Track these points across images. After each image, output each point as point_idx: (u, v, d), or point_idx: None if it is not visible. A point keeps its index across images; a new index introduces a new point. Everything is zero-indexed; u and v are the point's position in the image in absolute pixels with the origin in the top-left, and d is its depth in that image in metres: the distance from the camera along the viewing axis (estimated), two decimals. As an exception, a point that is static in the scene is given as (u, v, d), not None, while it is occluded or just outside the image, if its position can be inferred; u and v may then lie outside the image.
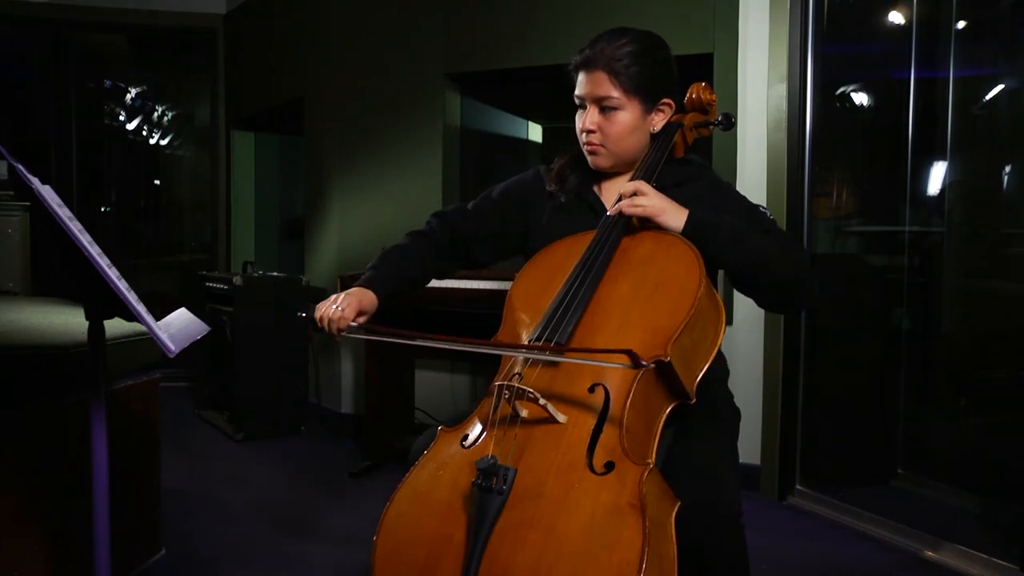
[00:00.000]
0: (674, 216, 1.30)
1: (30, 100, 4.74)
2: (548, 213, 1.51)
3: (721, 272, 1.38)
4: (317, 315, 1.37)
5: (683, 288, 1.20)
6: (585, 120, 1.42)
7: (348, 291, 1.41)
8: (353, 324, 1.36)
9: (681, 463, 1.19)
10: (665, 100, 1.44)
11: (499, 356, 1.28)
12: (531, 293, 1.32)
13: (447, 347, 1.21)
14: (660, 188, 1.36)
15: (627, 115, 1.40)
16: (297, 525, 2.49)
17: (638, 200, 1.31)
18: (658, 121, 1.44)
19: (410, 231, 1.58)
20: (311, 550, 2.29)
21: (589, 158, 1.47)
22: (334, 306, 1.36)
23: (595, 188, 1.51)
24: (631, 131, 1.41)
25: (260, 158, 4.89)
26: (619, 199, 1.34)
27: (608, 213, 1.35)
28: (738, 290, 1.38)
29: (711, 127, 1.50)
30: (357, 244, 3.59)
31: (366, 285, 1.44)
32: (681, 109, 1.51)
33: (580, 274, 1.25)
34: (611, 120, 1.40)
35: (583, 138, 1.45)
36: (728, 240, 1.29)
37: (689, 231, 1.29)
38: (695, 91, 1.50)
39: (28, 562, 1.66)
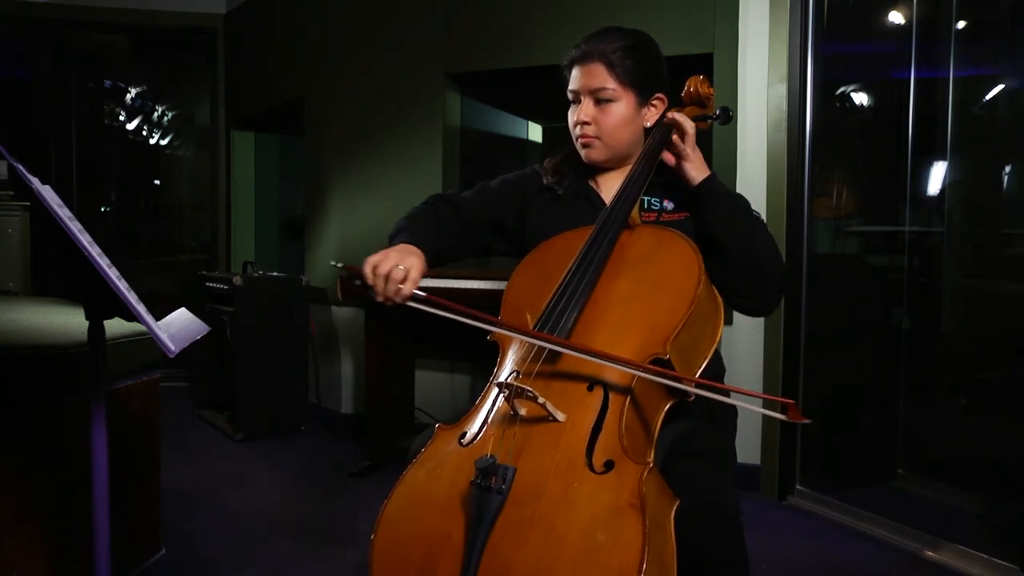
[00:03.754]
0: (698, 168, 1.36)
1: (30, 100, 4.74)
2: (545, 207, 1.51)
3: None
4: (367, 269, 1.20)
5: (682, 285, 1.20)
6: (580, 112, 1.43)
7: (396, 248, 1.26)
8: (420, 292, 1.19)
9: (679, 462, 1.19)
10: (658, 95, 1.45)
11: (497, 354, 1.27)
12: (529, 289, 1.32)
13: (515, 335, 1.17)
14: (658, 179, 1.40)
15: (622, 107, 1.41)
16: (297, 525, 2.49)
17: (686, 127, 1.35)
18: (651, 116, 1.46)
19: (425, 201, 1.49)
20: (311, 550, 2.29)
21: (583, 152, 1.47)
22: (400, 266, 1.19)
23: (591, 183, 1.51)
24: (626, 123, 1.42)
25: (260, 158, 4.89)
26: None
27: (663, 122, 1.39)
28: (715, 278, 1.35)
29: (709, 121, 1.50)
30: (357, 244, 3.59)
31: (411, 242, 1.29)
32: (679, 103, 1.51)
33: (578, 270, 1.25)
34: (606, 112, 1.41)
35: (577, 131, 1.45)
36: (730, 213, 1.33)
37: (701, 188, 1.34)
38: (693, 84, 1.50)
39: (28, 562, 1.66)
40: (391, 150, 3.52)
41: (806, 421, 1.01)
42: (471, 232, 1.50)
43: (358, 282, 1.22)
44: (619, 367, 1.12)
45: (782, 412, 1.03)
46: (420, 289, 1.21)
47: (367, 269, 1.21)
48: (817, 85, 2.75)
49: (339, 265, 1.22)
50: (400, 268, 1.20)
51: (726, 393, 1.14)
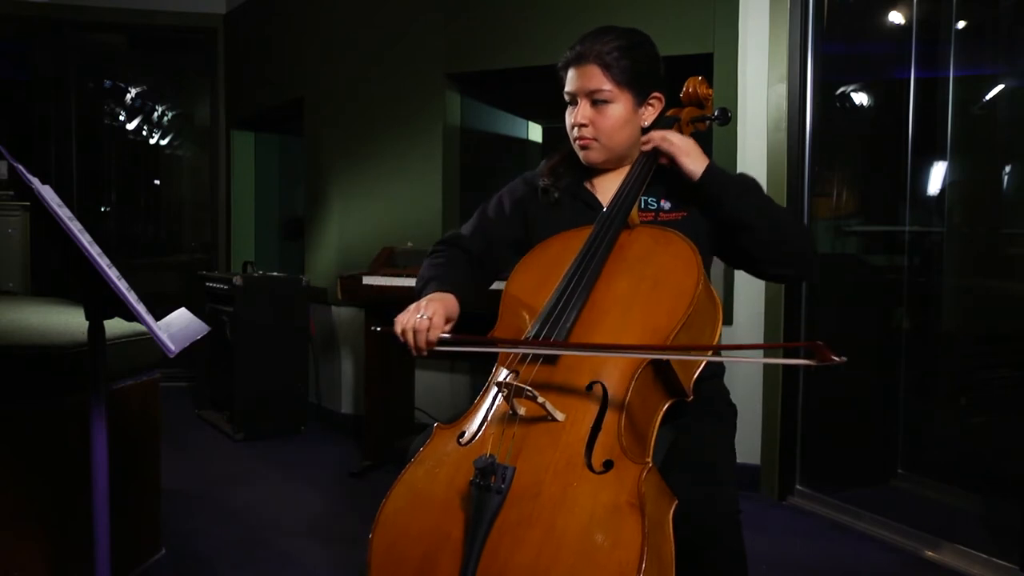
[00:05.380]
0: (696, 161, 1.36)
1: (30, 100, 4.74)
2: (543, 212, 1.51)
3: (717, 272, 1.38)
4: (398, 328, 1.24)
5: (681, 285, 1.20)
6: (577, 114, 1.43)
7: (427, 297, 1.30)
8: (445, 335, 1.24)
9: (678, 460, 1.19)
10: (655, 94, 1.45)
11: (496, 354, 1.27)
12: (528, 290, 1.32)
13: (550, 351, 1.17)
14: (659, 174, 1.40)
15: (619, 108, 1.41)
16: (297, 525, 2.49)
17: (669, 136, 1.36)
18: (648, 115, 1.46)
19: (433, 251, 1.52)
20: (311, 550, 2.29)
21: (581, 153, 1.47)
22: (418, 315, 1.23)
23: (588, 185, 1.51)
24: (623, 124, 1.42)
25: (260, 158, 4.89)
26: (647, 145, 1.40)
27: (641, 149, 1.40)
28: (747, 263, 1.39)
29: (707, 121, 1.51)
30: (357, 244, 3.59)
31: (442, 289, 1.33)
32: (678, 103, 1.51)
33: (577, 271, 1.25)
34: (603, 113, 1.41)
35: (574, 133, 1.45)
36: (741, 192, 1.34)
37: (706, 178, 1.34)
38: (692, 85, 1.50)
39: (28, 562, 1.66)
40: (391, 150, 3.52)
41: (841, 360, 0.93)
42: (485, 265, 1.53)
43: (397, 343, 1.25)
44: (630, 356, 1.12)
45: (808, 357, 0.96)
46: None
47: (396, 329, 1.24)
48: (817, 85, 2.75)
49: (377, 329, 1.26)
50: (423, 317, 1.22)
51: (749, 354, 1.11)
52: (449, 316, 1.27)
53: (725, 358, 1.11)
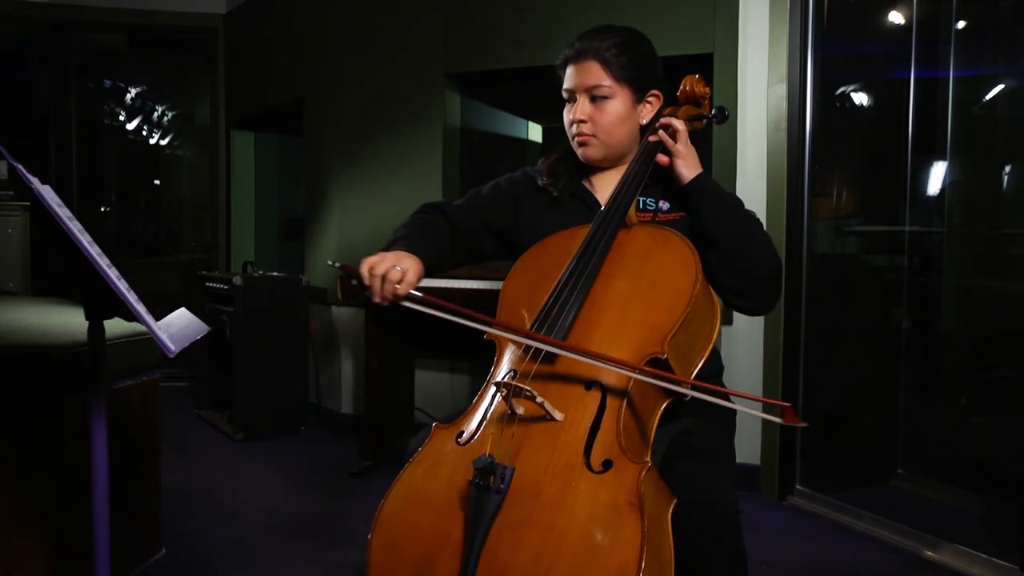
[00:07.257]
0: (689, 166, 1.36)
1: (30, 100, 4.74)
2: (540, 209, 1.50)
3: None
4: (364, 269, 1.20)
5: (680, 284, 1.20)
6: (576, 111, 1.42)
7: (402, 252, 1.27)
8: (416, 293, 1.20)
9: (677, 460, 1.19)
10: (653, 92, 1.45)
11: (494, 353, 1.27)
12: (525, 288, 1.31)
13: (511, 336, 1.19)
14: (657, 175, 1.40)
15: (617, 104, 1.41)
16: (297, 525, 2.49)
17: (676, 129, 1.36)
18: (646, 113, 1.46)
19: (418, 210, 1.50)
20: (311, 550, 2.29)
21: (579, 150, 1.46)
22: (397, 267, 1.20)
23: (586, 183, 1.51)
24: (622, 121, 1.42)
25: (260, 158, 4.89)
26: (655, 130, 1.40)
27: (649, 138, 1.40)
28: (714, 281, 1.35)
29: (704, 120, 1.50)
30: (357, 244, 3.59)
31: (409, 250, 1.29)
32: (675, 102, 1.51)
33: (576, 269, 1.25)
34: (602, 109, 1.41)
35: (573, 130, 1.45)
36: (724, 211, 1.33)
37: (691, 187, 1.35)
38: (688, 83, 1.49)
39: (28, 562, 1.66)
40: (391, 150, 3.52)
41: (802, 424, 1.05)
42: (464, 240, 1.50)
43: (355, 282, 1.23)
44: (615, 369, 1.12)
45: (779, 415, 1.05)
46: (417, 290, 1.23)
47: (363, 269, 1.21)
48: (817, 85, 2.75)
49: (336, 264, 1.22)
50: (397, 269, 1.22)
51: (725, 396, 1.16)
52: (420, 277, 1.26)
53: (694, 393, 1.13)
